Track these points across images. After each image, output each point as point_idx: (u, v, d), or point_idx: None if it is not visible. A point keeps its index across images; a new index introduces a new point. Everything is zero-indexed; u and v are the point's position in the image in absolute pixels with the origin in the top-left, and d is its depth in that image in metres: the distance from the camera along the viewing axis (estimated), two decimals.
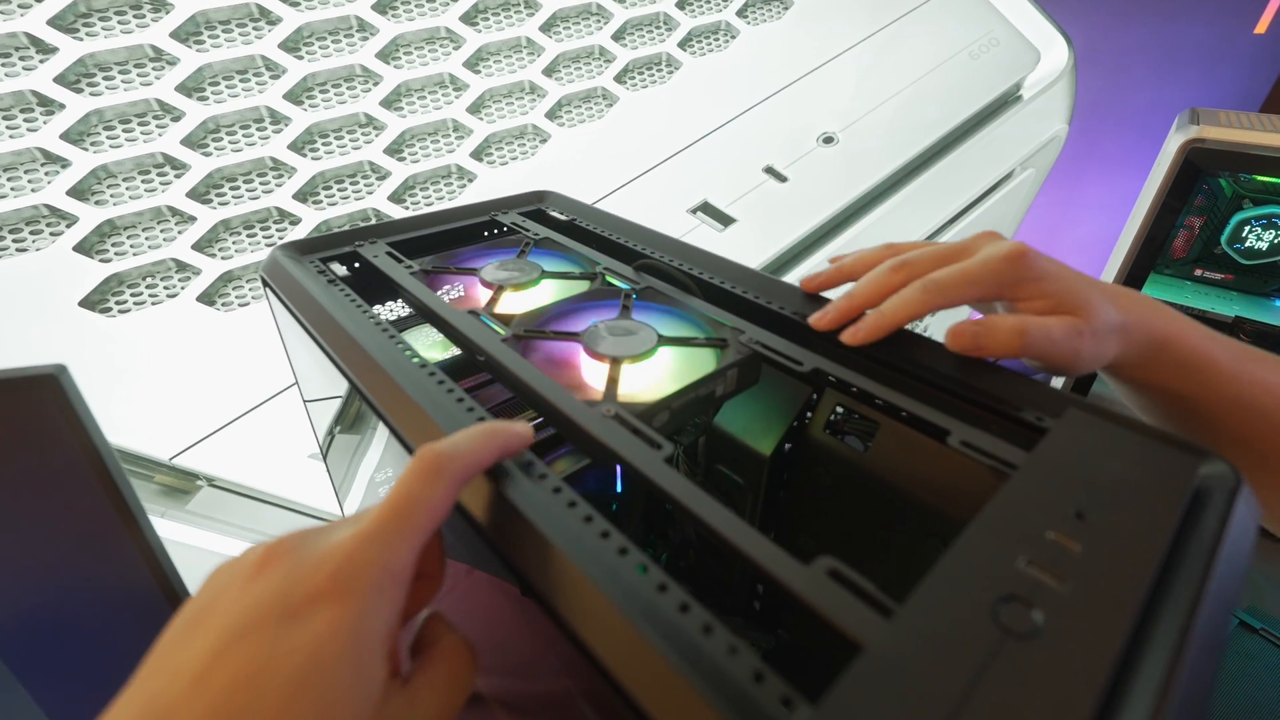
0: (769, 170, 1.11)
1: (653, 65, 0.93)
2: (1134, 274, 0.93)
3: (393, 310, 0.48)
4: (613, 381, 0.30)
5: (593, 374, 0.32)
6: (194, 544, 0.97)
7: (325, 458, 0.60)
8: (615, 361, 0.32)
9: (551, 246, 0.45)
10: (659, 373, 0.32)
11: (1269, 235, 0.86)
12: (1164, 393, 0.33)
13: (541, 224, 0.49)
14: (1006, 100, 1.28)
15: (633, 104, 0.94)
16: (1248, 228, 0.87)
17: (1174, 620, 0.18)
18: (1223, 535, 0.21)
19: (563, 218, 0.51)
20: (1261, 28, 1.54)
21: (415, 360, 0.31)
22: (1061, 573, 0.19)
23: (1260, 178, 0.82)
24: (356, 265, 0.44)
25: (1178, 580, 0.20)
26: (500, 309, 0.37)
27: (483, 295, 0.39)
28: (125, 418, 0.85)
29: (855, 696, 0.16)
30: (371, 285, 0.42)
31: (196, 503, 0.96)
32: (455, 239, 0.48)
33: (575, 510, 0.22)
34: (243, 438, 0.93)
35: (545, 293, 0.40)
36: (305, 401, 0.53)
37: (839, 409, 0.35)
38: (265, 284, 0.41)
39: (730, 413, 0.39)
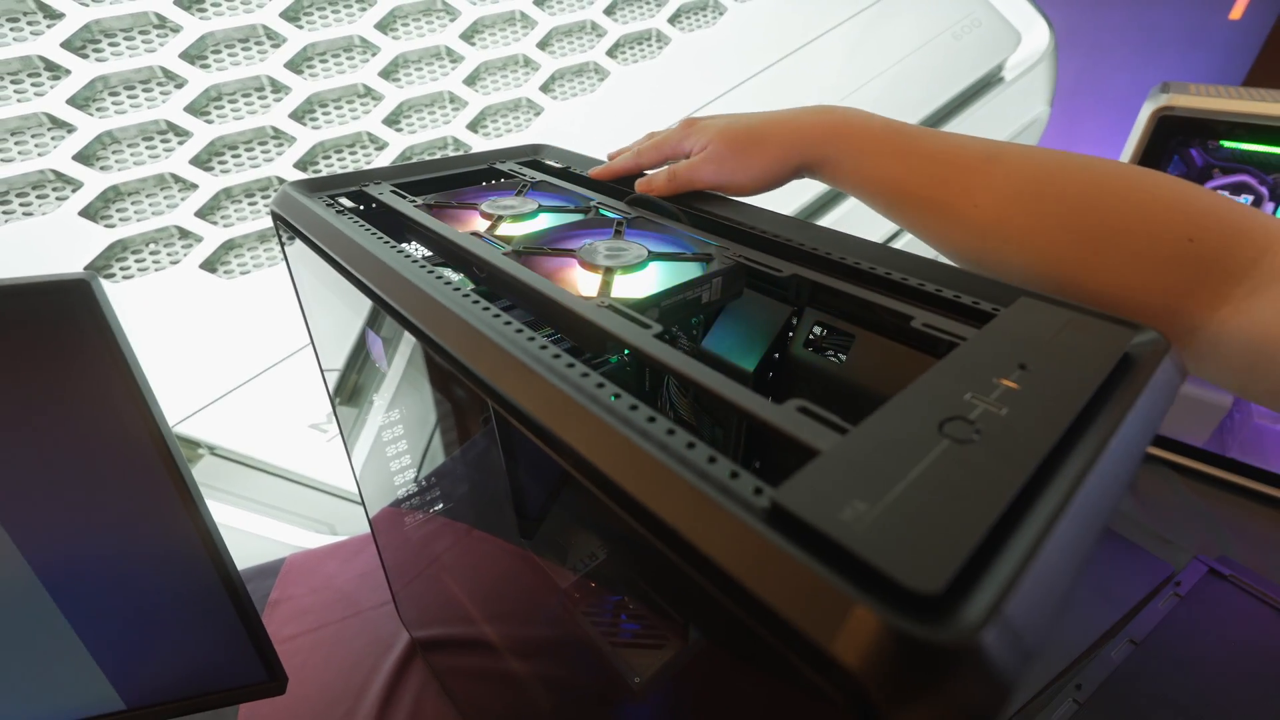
0: None
1: (643, 40, 0.96)
2: None
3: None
4: (606, 285, 0.33)
5: (587, 284, 0.35)
6: None
7: (335, 409, 0.62)
8: (608, 271, 0.34)
9: (547, 189, 0.48)
10: (649, 283, 0.35)
11: (1240, 202, 0.89)
12: (860, 182, 0.40)
13: (538, 171, 0.52)
14: (989, 82, 1.31)
15: (624, 79, 0.96)
16: None
17: (1095, 437, 0.21)
18: (1145, 384, 0.24)
19: (558, 166, 0.53)
20: (1236, 13, 1.58)
21: (441, 278, 0.32)
22: (1002, 403, 0.22)
23: (1227, 144, 0.85)
24: (362, 208, 0.47)
25: (1102, 410, 0.22)
26: (501, 234, 0.40)
27: (483, 226, 0.42)
28: None
29: (808, 479, 0.18)
30: (379, 228, 0.44)
31: (198, 471, 0.98)
32: (455, 185, 0.50)
33: (575, 369, 0.25)
34: (245, 406, 0.95)
35: (542, 224, 0.42)
36: (314, 347, 0.55)
37: (818, 327, 0.38)
38: (275, 218, 0.43)
39: (717, 336, 0.41)
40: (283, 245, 0.46)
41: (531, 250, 0.36)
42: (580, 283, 0.35)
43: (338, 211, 0.41)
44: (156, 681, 0.44)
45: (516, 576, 0.51)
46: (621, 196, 0.46)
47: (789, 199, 1.16)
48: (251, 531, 1.02)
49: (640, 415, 0.22)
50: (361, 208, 0.46)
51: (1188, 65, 1.59)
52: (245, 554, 0.85)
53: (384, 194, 0.45)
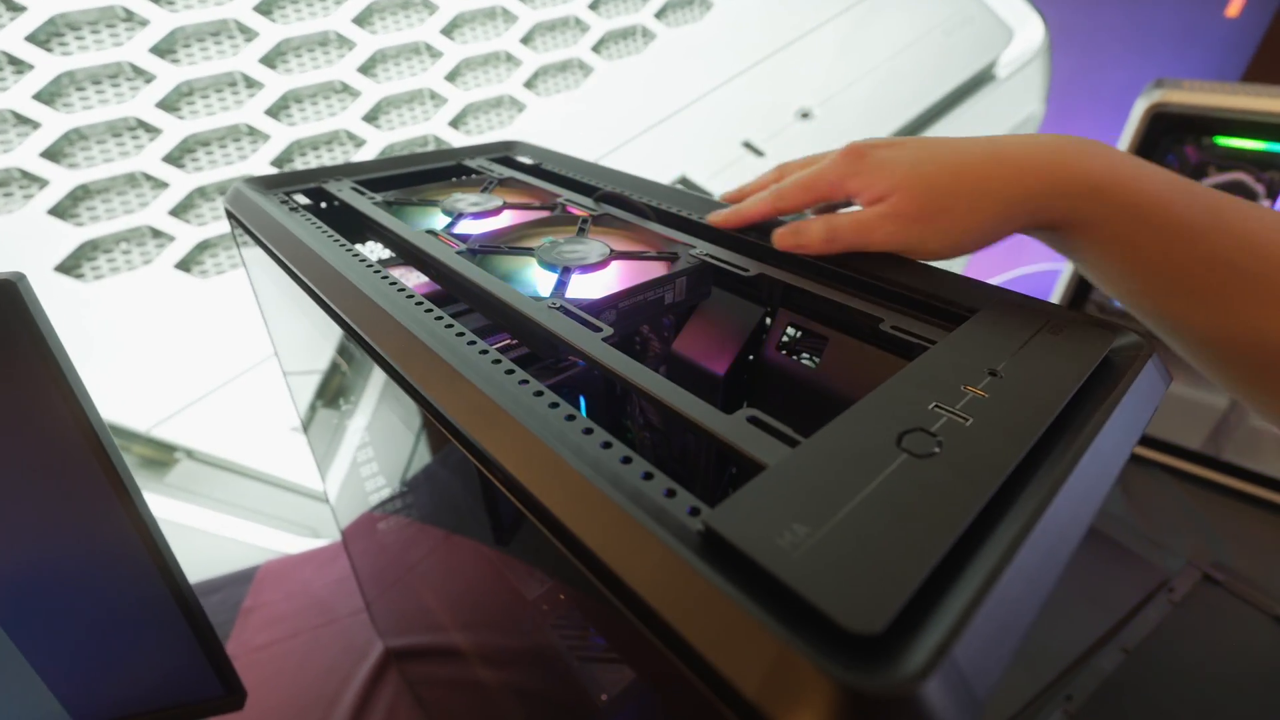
0: (747, 145, 1.12)
1: (628, 35, 0.94)
2: None
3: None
4: (561, 285, 0.31)
5: (544, 284, 0.33)
6: (174, 519, 0.97)
7: (298, 412, 0.60)
8: (566, 270, 0.32)
9: (516, 185, 0.46)
10: (610, 283, 0.33)
11: None
12: (1123, 259, 0.29)
13: (509, 169, 0.50)
14: (982, 79, 1.30)
15: (609, 75, 0.94)
16: None
17: (1067, 450, 0.19)
18: (1125, 392, 0.22)
19: (530, 163, 0.52)
20: (1233, 10, 1.56)
21: (392, 283, 0.30)
22: (968, 413, 0.20)
23: (1221, 141, 0.84)
24: (323, 205, 0.45)
25: (1076, 421, 0.21)
26: (459, 232, 0.38)
27: (443, 223, 0.40)
28: (101, 387, 0.85)
29: (747, 499, 0.16)
30: (338, 228, 0.42)
31: (175, 475, 0.96)
32: (422, 182, 0.49)
33: (514, 376, 0.23)
34: (223, 408, 0.93)
35: (505, 221, 0.41)
36: (275, 350, 0.54)
37: (790, 329, 0.37)
38: (230, 215, 0.41)
39: (687, 338, 0.40)
40: (238, 244, 0.44)
41: (488, 249, 0.35)
42: (538, 283, 0.33)
43: (290, 209, 0.39)
44: (106, 697, 0.42)
45: (489, 585, 0.49)
46: (592, 194, 0.44)
47: None
48: (231, 537, 1.00)
49: (575, 426, 0.20)
50: (324, 205, 0.45)
51: (1184, 63, 1.57)
52: (224, 559, 0.83)
53: (343, 191, 0.43)
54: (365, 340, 0.26)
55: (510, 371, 0.23)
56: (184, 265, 0.81)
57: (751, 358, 0.38)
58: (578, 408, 0.42)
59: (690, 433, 0.38)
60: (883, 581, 0.14)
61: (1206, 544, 0.81)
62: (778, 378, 0.37)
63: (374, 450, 0.54)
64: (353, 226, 0.42)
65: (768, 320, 0.37)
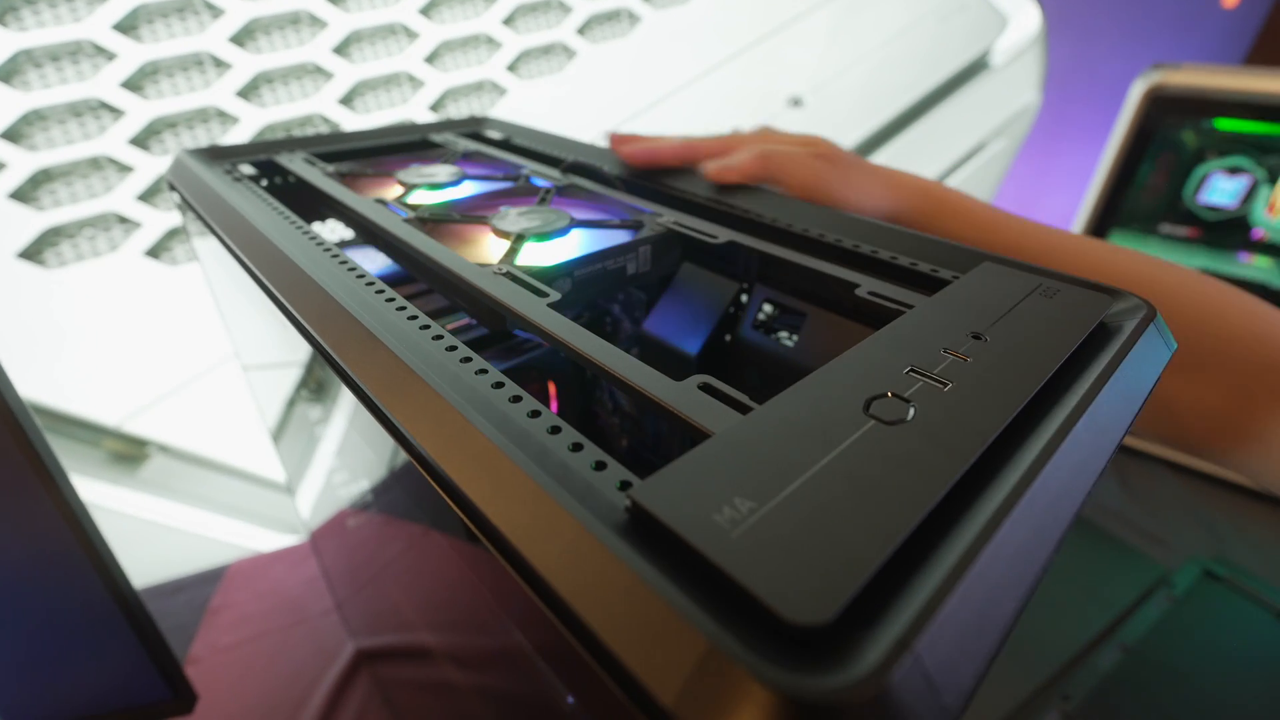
0: (737, 133, 1.09)
1: (613, 18, 0.92)
2: (1098, 230, 0.93)
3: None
4: (512, 251, 0.29)
5: (498, 254, 0.30)
6: (147, 516, 0.94)
7: (258, 402, 0.57)
8: (519, 237, 0.30)
9: (480, 159, 0.44)
10: (571, 253, 0.31)
11: (1232, 186, 0.86)
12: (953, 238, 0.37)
13: (476, 143, 0.48)
14: (976, 68, 1.27)
15: (594, 59, 0.92)
16: (1212, 179, 0.87)
17: (1058, 419, 0.17)
18: (1123, 358, 0.20)
19: (499, 137, 0.49)
20: (1231, 1, 1.54)
21: (325, 249, 0.28)
22: (947, 377, 0.18)
23: (1221, 125, 0.82)
24: (277, 180, 0.42)
25: (1070, 388, 0.18)
26: (412, 202, 0.36)
27: (399, 193, 0.37)
28: (70, 379, 0.82)
29: (684, 470, 0.14)
30: (293, 205, 0.40)
31: (149, 471, 0.93)
32: (384, 155, 0.46)
33: (441, 342, 0.21)
34: (198, 401, 0.91)
35: (465, 193, 0.38)
36: (232, 339, 0.51)
37: (768, 305, 0.34)
38: (172, 188, 0.39)
39: (659, 317, 0.37)
40: (186, 224, 0.41)
41: (439, 217, 0.32)
42: (493, 253, 0.31)
43: (234, 179, 0.37)
44: (40, 702, 0.40)
45: (462, 583, 0.47)
46: (557, 165, 0.42)
47: None
48: (207, 534, 0.97)
49: (502, 394, 0.18)
50: (277, 180, 0.42)
51: (1182, 53, 1.55)
52: (199, 556, 0.80)
53: (294, 163, 0.40)
54: (281, 301, 0.24)
55: (438, 337, 0.21)
56: (154, 252, 0.78)
57: (728, 338, 0.36)
58: (545, 394, 0.40)
59: (643, 406, 0.35)
60: (836, 563, 0.12)
61: (1208, 539, 0.78)
62: (755, 357, 0.35)
63: (344, 443, 0.51)
64: (308, 203, 0.40)
65: (743, 297, 0.35)
